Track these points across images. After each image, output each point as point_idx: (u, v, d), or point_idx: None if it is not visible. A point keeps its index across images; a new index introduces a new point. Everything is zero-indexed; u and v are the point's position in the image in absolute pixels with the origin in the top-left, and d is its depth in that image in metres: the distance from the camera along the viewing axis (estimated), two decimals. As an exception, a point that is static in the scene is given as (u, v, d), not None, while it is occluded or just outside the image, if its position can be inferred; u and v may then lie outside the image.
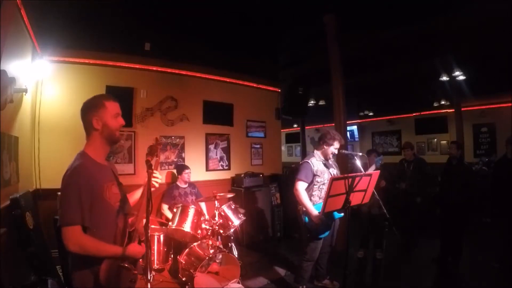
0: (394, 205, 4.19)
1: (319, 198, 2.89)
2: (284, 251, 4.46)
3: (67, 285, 2.78)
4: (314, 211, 2.75)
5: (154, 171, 1.49)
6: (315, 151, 3.06)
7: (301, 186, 2.87)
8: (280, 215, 5.31)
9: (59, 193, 2.98)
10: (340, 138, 3.00)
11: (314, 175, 2.89)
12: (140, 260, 1.47)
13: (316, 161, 2.95)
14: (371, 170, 2.96)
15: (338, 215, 2.85)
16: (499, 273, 3.46)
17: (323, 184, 2.90)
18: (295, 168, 3.21)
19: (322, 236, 2.90)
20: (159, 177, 1.57)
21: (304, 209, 2.84)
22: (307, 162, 2.94)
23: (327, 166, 2.99)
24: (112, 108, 1.42)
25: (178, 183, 4.05)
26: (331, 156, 3.00)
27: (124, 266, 1.32)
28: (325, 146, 2.97)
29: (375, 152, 4.03)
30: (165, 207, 3.87)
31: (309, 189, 2.91)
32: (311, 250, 2.95)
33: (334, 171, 3.04)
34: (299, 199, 2.87)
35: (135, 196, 1.63)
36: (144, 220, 1.34)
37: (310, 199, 2.87)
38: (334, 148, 2.95)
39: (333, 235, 3.14)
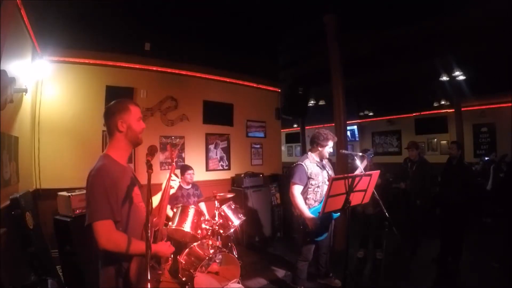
0: (394, 205, 4.19)
1: (314, 201, 2.84)
2: (284, 251, 4.46)
3: (68, 285, 2.79)
4: (310, 215, 2.71)
5: (172, 175, 1.63)
6: (309, 153, 2.98)
7: (296, 190, 2.82)
8: (280, 215, 5.31)
9: (59, 193, 3.00)
10: (333, 136, 2.92)
11: (309, 178, 2.84)
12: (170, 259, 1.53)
13: (310, 163, 2.88)
14: (363, 165, 2.83)
15: (334, 215, 2.86)
16: (499, 273, 3.46)
17: (318, 187, 2.85)
18: (290, 171, 3.22)
19: (320, 238, 2.90)
20: (177, 180, 1.70)
21: (299, 213, 2.79)
22: (301, 164, 2.87)
23: (322, 167, 2.93)
24: (136, 112, 1.50)
25: (181, 183, 4.01)
26: (327, 155, 2.96)
27: (152, 266, 1.34)
28: (319, 148, 2.91)
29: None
30: (167, 207, 3.85)
31: (303, 192, 2.85)
32: (306, 251, 2.95)
33: (330, 172, 2.99)
34: (294, 203, 2.82)
35: (155, 199, 1.70)
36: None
37: (305, 203, 2.82)
38: (329, 148, 2.90)
39: (330, 235, 3.16)
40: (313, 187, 2.85)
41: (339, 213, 2.81)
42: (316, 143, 2.93)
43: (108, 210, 1.27)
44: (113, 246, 1.26)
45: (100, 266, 1.37)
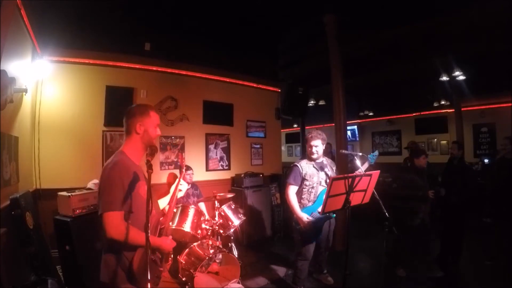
0: (394, 205, 4.18)
1: (308, 201, 2.89)
2: (284, 251, 4.46)
3: (68, 285, 2.79)
4: (300, 214, 2.78)
5: (181, 179, 1.80)
6: (306, 154, 3.05)
7: (291, 190, 2.90)
8: (280, 215, 5.31)
9: (59, 193, 2.99)
10: (314, 136, 2.90)
11: (303, 179, 2.89)
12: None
13: (305, 164, 2.93)
14: (363, 168, 2.75)
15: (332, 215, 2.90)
16: (497, 272, 3.46)
17: (312, 187, 2.88)
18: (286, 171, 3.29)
19: (313, 240, 2.92)
20: (185, 184, 1.85)
21: (292, 212, 2.87)
22: (296, 165, 2.96)
23: (318, 168, 2.92)
24: (155, 118, 1.60)
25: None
26: (312, 156, 2.92)
27: (154, 260, 1.45)
28: (307, 148, 2.97)
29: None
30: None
31: (299, 192, 2.92)
32: (305, 250, 2.98)
33: (330, 172, 2.95)
34: (288, 202, 2.91)
35: (164, 201, 1.84)
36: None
37: (300, 202, 2.88)
38: (309, 146, 2.90)
39: (329, 235, 3.18)
40: (307, 187, 2.89)
41: (334, 214, 2.83)
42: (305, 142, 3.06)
43: (120, 202, 1.36)
44: (119, 235, 1.34)
45: (103, 256, 1.44)
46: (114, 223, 1.34)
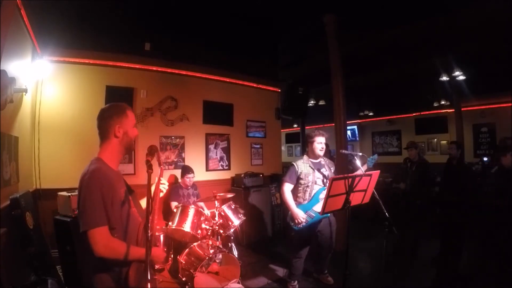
0: (394, 205, 4.18)
1: (303, 199, 2.98)
2: (283, 251, 4.45)
3: (68, 285, 2.79)
4: (295, 210, 2.90)
5: (161, 178, 1.55)
6: (305, 155, 3.14)
7: (286, 187, 3.01)
8: (280, 215, 5.31)
9: (59, 193, 3.00)
10: (320, 133, 3.01)
11: (298, 178, 2.99)
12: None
13: (302, 164, 3.03)
14: (363, 169, 2.78)
15: (319, 216, 2.90)
16: (497, 272, 3.45)
17: (307, 186, 2.97)
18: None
19: (297, 228, 2.96)
20: (166, 183, 1.63)
21: (287, 208, 2.99)
22: (293, 164, 3.05)
23: (314, 168, 3.00)
24: (132, 117, 1.46)
25: (181, 183, 4.04)
26: (320, 153, 2.99)
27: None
28: (309, 146, 3.06)
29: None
30: (173, 205, 3.83)
31: (294, 190, 3.04)
32: (300, 249, 3.09)
33: (327, 172, 3.03)
34: (283, 199, 3.03)
35: (143, 203, 1.64)
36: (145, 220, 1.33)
37: (296, 200, 2.99)
38: (317, 143, 2.98)
39: (331, 236, 3.18)
40: (302, 186, 2.99)
41: (324, 215, 2.85)
42: (306, 142, 3.11)
43: (103, 216, 1.24)
44: (110, 253, 1.23)
45: (93, 274, 1.30)
46: (102, 241, 1.21)
